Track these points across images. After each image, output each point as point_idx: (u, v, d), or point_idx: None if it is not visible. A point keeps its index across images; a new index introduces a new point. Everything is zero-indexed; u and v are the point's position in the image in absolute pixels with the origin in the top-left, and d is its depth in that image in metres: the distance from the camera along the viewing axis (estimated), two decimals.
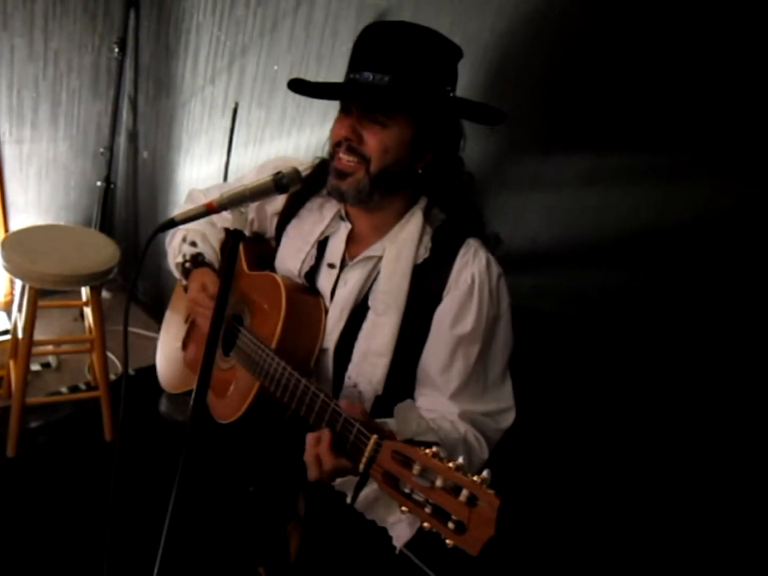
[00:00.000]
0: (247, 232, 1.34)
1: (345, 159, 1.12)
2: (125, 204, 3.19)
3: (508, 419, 1.19)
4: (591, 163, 1.55)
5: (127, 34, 2.75)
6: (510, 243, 1.60)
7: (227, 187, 1.28)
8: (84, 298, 2.29)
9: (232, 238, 0.92)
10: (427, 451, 0.81)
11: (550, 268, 1.68)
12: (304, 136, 2.22)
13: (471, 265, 1.15)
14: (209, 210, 0.93)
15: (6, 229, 2.75)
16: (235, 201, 0.93)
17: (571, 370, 1.63)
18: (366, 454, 0.90)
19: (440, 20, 1.69)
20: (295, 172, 0.96)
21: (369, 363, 1.17)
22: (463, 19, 1.67)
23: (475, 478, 0.75)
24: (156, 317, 3.14)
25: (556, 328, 1.65)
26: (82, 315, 2.96)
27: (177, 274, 1.41)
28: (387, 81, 1.05)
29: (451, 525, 0.76)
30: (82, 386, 2.59)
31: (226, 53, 2.42)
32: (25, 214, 2.82)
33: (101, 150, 2.91)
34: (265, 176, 0.96)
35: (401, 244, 1.18)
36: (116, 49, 2.73)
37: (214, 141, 2.59)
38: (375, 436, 0.90)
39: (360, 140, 1.10)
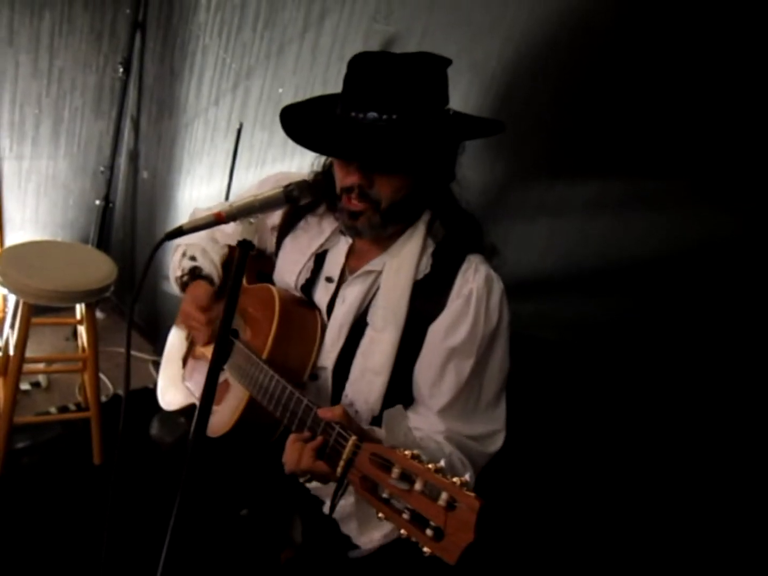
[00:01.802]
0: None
1: (355, 202, 1.09)
2: (122, 224, 3.17)
3: (497, 443, 1.16)
4: (596, 190, 1.55)
5: (132, 54, 2.76)
6: (512, 269, 1.58)
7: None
8: (78, 316, 2.25)
9: (240, 248, 0.90)
10: (407, 452, 0.78)
11: (552, 296, 1.66)
12: (306, 158, 2.18)
13: (471, 281, 1.12)
14: (218, 219, 0.92)
15: (2, 245, 2.72)
16: (244, 211, 0.93)
17: (572, 400, 1.60)
18: (344, 456, 0.88)
19: (447, 47, 1.70)
20: (306, 184, 0.96)
21: (366, 381, 1.14)
22: (470, 46, 1.68)
23: (455, 479, 0.72)
24: (150, 339, 3.11)
25: (558, 356, 1.63)
26: (74, 335, 2.92)
27: (177, 289, 1.39)
28: (394, 119, 1.02)
29: (429, 532, 0.72)
30: (72, 407, 2.53)
31: (231, 75, 2.43)
32: (21, 231, 2.79)
33: (101, 169, 2.90)
34: (276, 188, 0.95)
35: (402, 260, 1.15)
36: (120, 70, 2.74)
37: (215, 163, 2.58)
38: (354, 438, 0.88)
39: (370, 185, 1.08)
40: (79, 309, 2.21)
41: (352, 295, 1.18)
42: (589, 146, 1.53)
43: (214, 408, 1.21)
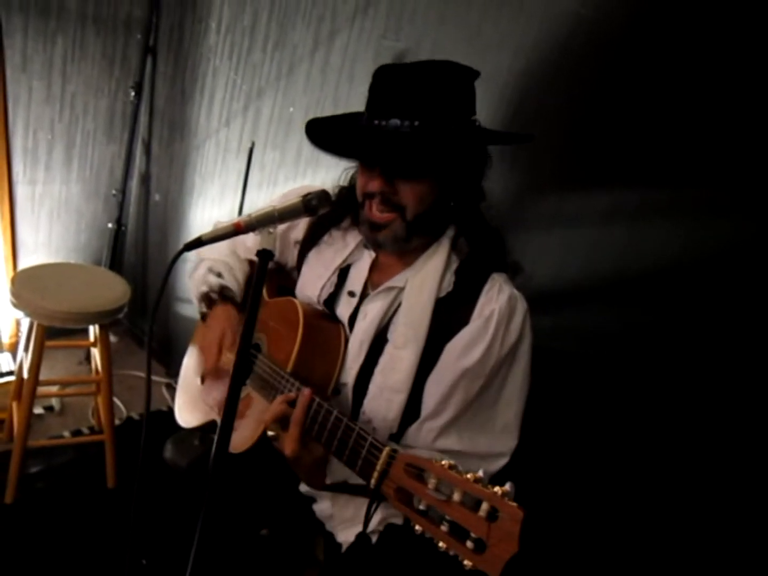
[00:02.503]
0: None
1: (378, 211, 1.10)
2: (135, 246, 3.18)
3: (498, 464, 1.13)
4: (611, 200, 1.53)
5: (143, 78, 2.79)
6: (529, 281, 1.57)
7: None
8: (92, 338, 2.24)
9: (260, 257, 0.89)
10: (444, 462, 0.76)
11: (571, 307, 1.64)
12: (319, 176, 2.21)
13: (494, 301, 1.10)
14: (237, 230, 0.92)
15: (15, 269, 2.73)
16: (263, 221, 0.92)
17: (590, 412, 1.57)
18: (378, 467, 0.86)
19: (457, 61, 1.71)
20: (325, 194, 0.95)
21: (385, 399, 1.13)
22: (481, 59, 1.67)
23: (496, 489, 0.70)
24: (164, 361, 3.09)
25: (579, 368, 1.60)
26: (87, 358, 2.91)
27: (198, 303, 1.38)
28: (416, 126, 1.03)
29: (469, 544, 0.70)
30: (86, 430, 2.52)
31: (242, 96, 2.45)
32: (34, 255, 2.80)
33: (113, 192, 2.92)
34: (294, 198, 0.94)
35: (425, 276, 1.14)
36: (132, 93, 2.77)
37: (227, 184, 2.59)
38: (388, 448, 0.86)
39: (394, 191, 1.07)
40: (93, 331, 2.21)
41: (373, 310, 1.17)
42: (603, 156, 1.52)
43: (236, 423, 1.20)
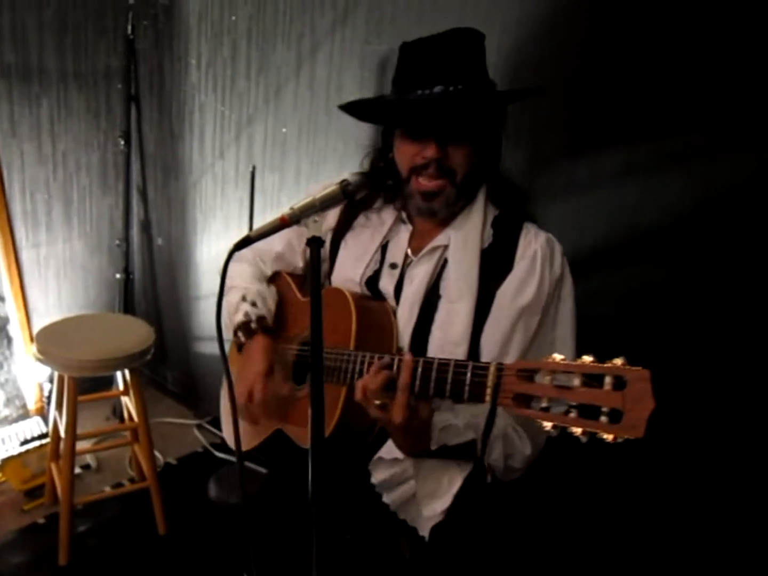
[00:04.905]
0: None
1: (430, 180, 1.15)
2: (144, 294, 3.17)
3: None
4: (623, 158, 1.54)
5: (130, 126, 2.81)
6: None
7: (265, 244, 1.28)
8: (121, 387, 2.23)
9: (310, 245, 0.89)
10: (553, 356, 0.79)
11: (599, 271, 1.64)
12: None
13: (534, 243, 1.17)
14: (283, 223, 0.95)
15: (31, 336, 2.71)
16: (306, 212, 0.93)
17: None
18: (489, 383, 0.87)
19: None
20: (362, 177, 0.95)
21: (446, 353, 1.12)
22: None
23: (615, 360, 0.73)
24: (190, 404, 3.07)
25: (617, 330, 1.59)
26: (114, 413, 2.89)
27: (232, 330, 1.36)
28: (461, 89, 1.09)
29: (603, 419, 0.73)
30: (126, 483, 2.48)
31: (233, 126, 2.46)
32: (47, 318, 2.77)
33: (116, 242, 2.91)
34: (331, 185, 0.95)
35: (467, 232, 1.20)
36: (122, 143, 2.78)
37: (229, 215, 2.60)
38: (494, 363, 0.88)
39: (446, 157, 1.13)
40: (122, 378, 2.19)
41: (420, 273, 1.22)
42: (604, 121, 1.53)
43: (306, 423, 1.19)
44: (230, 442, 1.51)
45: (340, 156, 2.15)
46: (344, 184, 0.94)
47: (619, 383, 0.72)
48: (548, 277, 1.14)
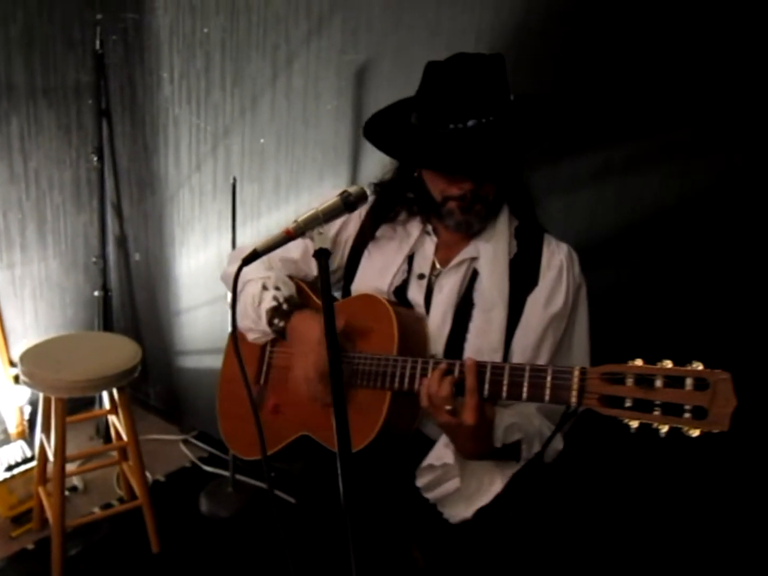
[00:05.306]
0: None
1: (467, 209, 1.20)
2: (122, 311, 3.12)
3: None
4: (602, 157, 1.59)
5: (102, 142, 2.77)
6: None
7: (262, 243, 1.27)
8: (107, 405, 2.20)
9: (318, 257, 0.90)
10: (638, 361, 0.87)
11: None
12: (303, 199, 2.23)
13: (558, 253, 1.25)
14: (288, 236, 0.94)
15: (9, 359, 2.66)
16: (310, 224, 0.93)
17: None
18: (574, 387, 0.93)
19: (424, 59, 1.74)
20: (362, 190, 0.98)
21: (485, 359, 1.15)
22: (447, 51, 1.65)
23: (694, 365, 0.82)
24: (174, 420, 3.03)
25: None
26: (97, 432, 2.85)
27: (266, 322, 1.34)
28: (492, 121, 1.13)
29: (687, 415, 0.81)
30: (114, 503, 2.45)
31: (209, 138, 2.45)
32: (24, 339, 2.72)
33: (93, 260, 2.87)
34: (333, 197, 0.96)
35: (496, 243, 1.26)
36: (95, 158, 2.74)
37: (208, 227, 2.58)
38: (579, 367, 0.94)
39: (481, 185, 1.19)
40: (109, 397, 2.16)
41: (449, 283, 1.27)
42: (583, 120, 1.56)
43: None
44: (229, 443, 1.50)
45: (320, 165, 2.16)
46: (345, 195, 0.95)
47: (701, 384, 0.80)
48: (572, 286, 1.23)
